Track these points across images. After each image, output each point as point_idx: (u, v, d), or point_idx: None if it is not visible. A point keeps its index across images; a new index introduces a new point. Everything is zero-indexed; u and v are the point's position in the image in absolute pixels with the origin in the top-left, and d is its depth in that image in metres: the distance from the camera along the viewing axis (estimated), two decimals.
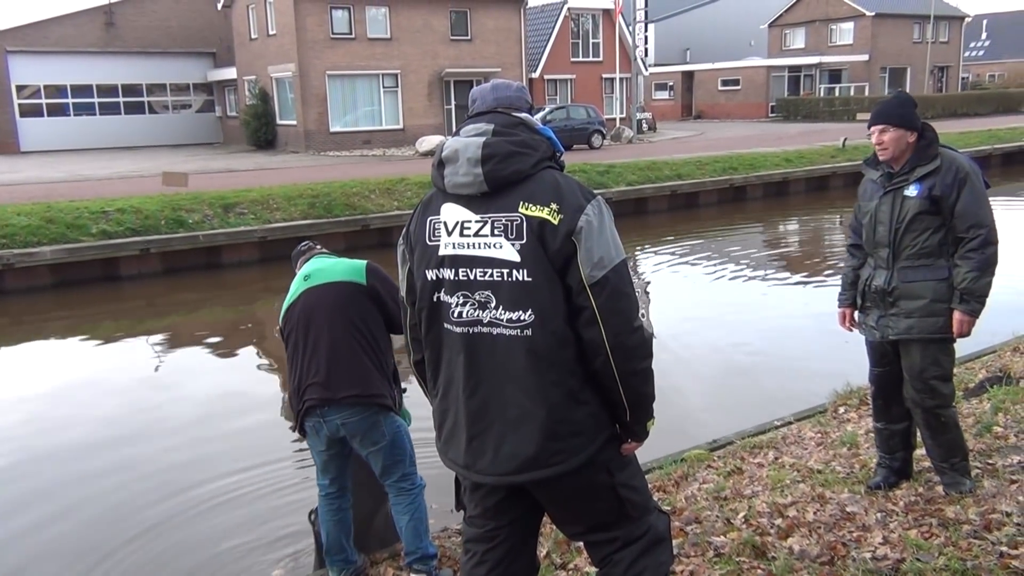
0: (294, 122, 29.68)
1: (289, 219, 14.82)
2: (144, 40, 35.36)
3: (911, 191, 3.70)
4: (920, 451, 4.17)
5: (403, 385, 3.95)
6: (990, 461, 4.36)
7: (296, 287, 3.85)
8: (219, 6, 33.98)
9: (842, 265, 4.26)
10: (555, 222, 2.24)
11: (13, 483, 6.16)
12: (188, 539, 5.18)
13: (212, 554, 4.98)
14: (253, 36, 31.57)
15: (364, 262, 3.90)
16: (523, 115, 2.41)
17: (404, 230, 2.51)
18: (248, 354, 9.79)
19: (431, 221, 2.40)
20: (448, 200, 2.37)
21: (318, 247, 4.14)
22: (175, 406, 7.76)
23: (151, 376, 8.92)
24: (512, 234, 2.26)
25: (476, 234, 2.31)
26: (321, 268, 3.88)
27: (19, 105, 33.37)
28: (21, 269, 12.46)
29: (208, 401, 7.90)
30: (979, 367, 6.50)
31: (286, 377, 3.91)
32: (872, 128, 3.77)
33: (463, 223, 2.33)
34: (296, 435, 3.99)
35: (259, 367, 9.07)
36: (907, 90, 46.43)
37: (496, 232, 2.28)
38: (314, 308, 3.74)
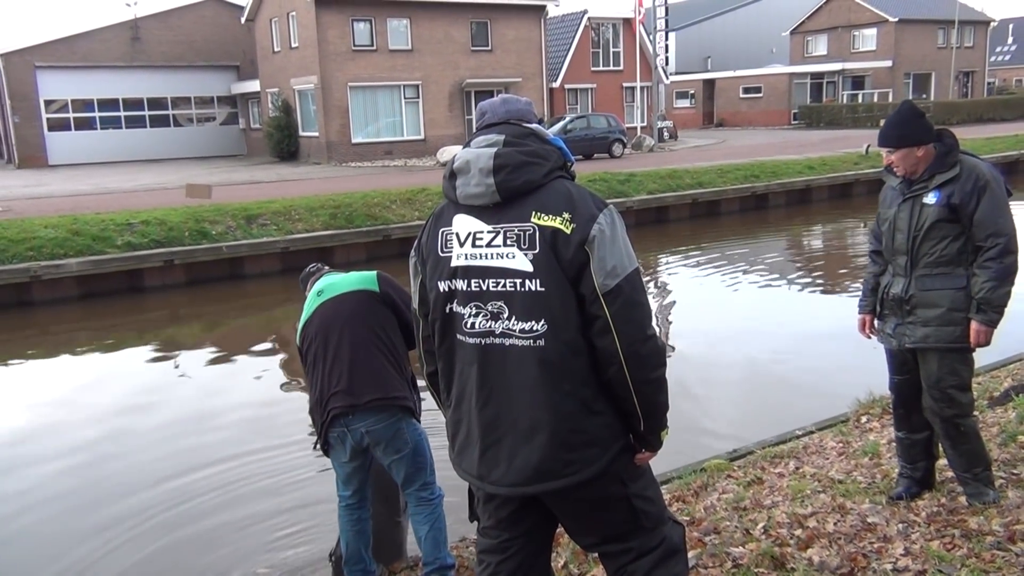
0: (316, 134, 29.92)
1: (311, 230, 14.93)
2: (169, 54, 35.82)
3: (930, 199, 3.66)
4: (943, 461, 4.11)
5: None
6: (1015, 471, 4.29)
7: (310, 304, 3.89)
8: (242, 20, 34.38)
9: (864, 272, 4.23)
10: (568, 231, 2.24)
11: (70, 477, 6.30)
12: (213, 532, 5.36)
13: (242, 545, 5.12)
14: (276, 49, 31.89)
15: (374, 272, 3.94)
16: (533, 126, 2.42)
17: (416, 242, 2.52)
18: (272, 364, 9.86)
19: (443, 232, 2.40)
20: (460, 211, 2.38)
21: (326, 268, 4.19)
22: (208, 416, 7.82)
23: (176, 390, 8.99)
24: (525, 244, 2.27)
25: (488, 244, 2.31)
26: (332, 283, 3.93)
27: (47, 119, 33.87)
28: (48, 281, 12.63)
29: (238, 408, 7.96)
30: (1004, 375, 6.41)
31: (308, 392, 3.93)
32: (880, 148, 3.77)
33: (475, 234, 2.33)
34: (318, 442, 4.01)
35: (285, 376, 9.12)
36: (932, 96, 46.13)
37: (509, 242, 2.29)
38: (331, 320, 3.77)
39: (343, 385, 3.66)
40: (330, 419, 3.68)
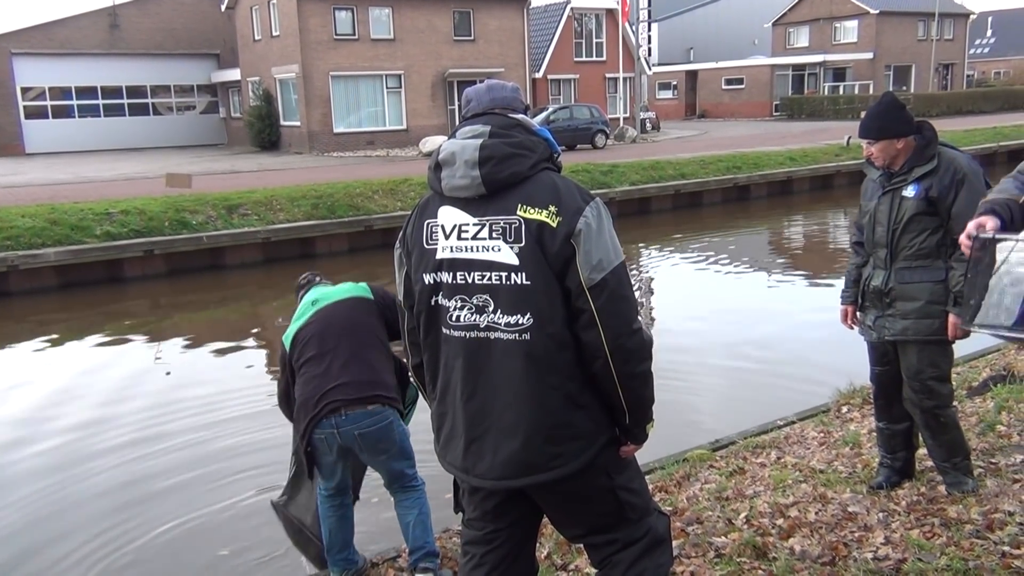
0: (298, 123, 29.73)
1: (292, 220, 14.85)
2: (148, 42, 35.45)
3: (909, 191, 3.68)
4: (923, 451, 4.15)
5: None
6: (993, 460, 4.35)
7: (303, 312, 3.91)
8: (223, 8, 34.04)
9: (846, 263, 4.26)
10: (554, 224, 2.23)
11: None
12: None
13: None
14: (257, 37, 31.61)
15: (364, 283, 4.04)
16: (520, 116, 2.39)
17: (401, 234, 2.50)
18: (251, 354, 9.80)
19: (428, 224, 2.39)
20: (445, 203, 2.36)
21: (318, 278, 4.23)
22: (179, 408, 7.77)
23: (155, 378, 8.93)
24: (510, 237, 2.25)
25: (474, 237, 2.30)
26: (326, 292, 4.00)
27: (24, 107, 33.48)
28: (25, 271, 12.50)
29: (215, 396, 7.92)
30: (983, 365, 6.48)
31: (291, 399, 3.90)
32: (860, 140, 3.79)
33: (461, 226, 2.32)
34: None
35: (264, 366, 9.08)
36: (911, 88, 46.45)
37: (494, 235, 2.27)
38: (329, 323, 3.81)
39: (344, 379, 3.65)
40: (325, 413, 3.61)
